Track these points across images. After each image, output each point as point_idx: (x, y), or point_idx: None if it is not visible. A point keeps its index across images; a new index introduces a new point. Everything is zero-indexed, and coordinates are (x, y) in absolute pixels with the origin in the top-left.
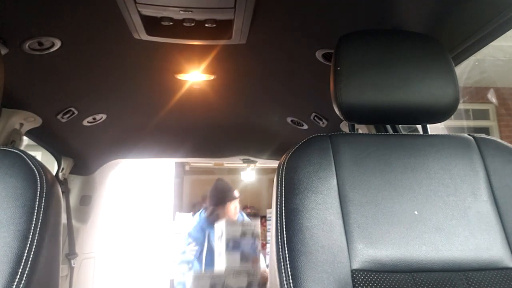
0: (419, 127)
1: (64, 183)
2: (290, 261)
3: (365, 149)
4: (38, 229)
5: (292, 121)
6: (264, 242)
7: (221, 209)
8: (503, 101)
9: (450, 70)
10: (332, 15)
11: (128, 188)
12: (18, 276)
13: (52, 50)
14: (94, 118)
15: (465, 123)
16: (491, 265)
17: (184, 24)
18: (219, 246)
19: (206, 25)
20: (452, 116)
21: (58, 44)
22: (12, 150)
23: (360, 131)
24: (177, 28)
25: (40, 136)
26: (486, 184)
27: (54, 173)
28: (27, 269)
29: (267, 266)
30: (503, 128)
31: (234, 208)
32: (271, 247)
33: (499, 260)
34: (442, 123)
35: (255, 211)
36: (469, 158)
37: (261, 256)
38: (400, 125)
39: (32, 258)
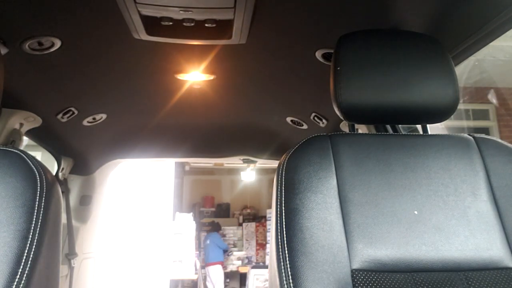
0: (419, 127)
1: (64, 183)
2: (290, 261)
3: (365, 149)
4: (38, 229)
5: (292, 121)
6: (264, 242)
7: None
8: (503, 101)
9: (450, 70)
10: (332, 15)
11: (128, 188)
12: (18, 276)
13: (52, 50)
14: (94, 118)
15: (465, 123)
16: (491, 265)
17: (184, 24)
18: None
19: (206, 25)
20: (452, 116)
21: (58, 44)
22: (12, 150)
23: (360, 131)
24: (177, 28)
25: (40, 136)
26: (486, 184)
27: (54, 173)
28: (27, 269)
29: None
30: (503, 128)
31: None
32: (271, 247)
33: (499, 260)
34: (442, 123)
35: (255, 211)
36: (469, 158)
37: None
38: (400, 125)
39: (32, 258)
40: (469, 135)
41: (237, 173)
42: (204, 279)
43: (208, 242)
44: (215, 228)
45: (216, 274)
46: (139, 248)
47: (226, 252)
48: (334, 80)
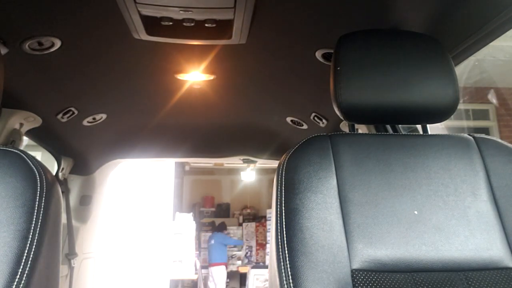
0: (419, 127)
1: (64, 183)
2: (290, 261)
3: (365, 149)
4: (38, 229)
5: (292, 121)
6: (264, 242)
7: None
8: (503, 101)
9: (450, 70)
10: (332, 15)
11: (128, 188)
12: (18, 276)
13: (52, 50)
14: (94, 118)
15: (465, 123)
16: (491, 265)
17: (184, 24)
18: None
19: (206, 25)
20: (452, 116)
21: (58, 44)
22: (12, 150)
23: (360, 131)
24: (177, 28)
25: (40, 136)
26: (486, 184)
27: (54, 173)
28: (27, 269)
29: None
30: (503, 128)
31: None
32: (271, 247)
33: (499, 260)
34: (442, 123)
35: (255, 211)
36: (469, 158)
37: None
38: (400, 125)
39: (32, 258)
40: (469, 135)
41: (237, 173)
42: (206, 279)
43: (212, 242)
44: (220, 228)
45: (219, 274)
46: (139, 248)
47: (239, 246)
48: (334, 80)
